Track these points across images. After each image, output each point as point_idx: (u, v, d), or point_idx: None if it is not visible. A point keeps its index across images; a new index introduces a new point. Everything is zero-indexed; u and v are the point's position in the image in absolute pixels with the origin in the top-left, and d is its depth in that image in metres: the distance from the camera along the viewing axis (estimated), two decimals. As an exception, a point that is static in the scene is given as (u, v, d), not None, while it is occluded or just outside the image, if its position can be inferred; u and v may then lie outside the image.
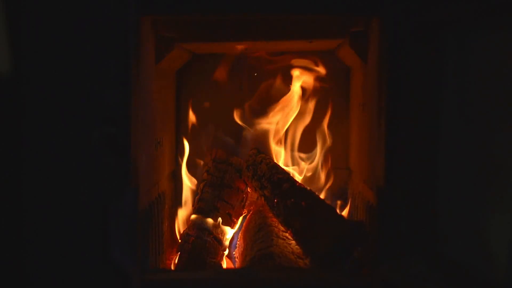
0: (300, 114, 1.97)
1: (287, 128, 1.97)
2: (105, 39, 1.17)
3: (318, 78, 1.97)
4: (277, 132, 1.96)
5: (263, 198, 1.70)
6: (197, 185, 1.89)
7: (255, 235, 1.65)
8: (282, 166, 1.84)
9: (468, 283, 1.14)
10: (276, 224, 1.66)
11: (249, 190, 1.84)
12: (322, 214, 1.43)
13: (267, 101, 1.97)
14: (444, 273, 1.18)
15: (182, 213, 1.88)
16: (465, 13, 1.12)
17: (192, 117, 1.98)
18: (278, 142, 1.98)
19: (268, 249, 1.51)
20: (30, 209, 1.18)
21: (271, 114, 1.96)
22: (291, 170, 1.92)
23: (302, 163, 1.96)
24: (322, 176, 1.95)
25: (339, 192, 1.99)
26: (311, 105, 1.97)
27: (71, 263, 1.19)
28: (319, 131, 1.98)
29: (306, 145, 1.98)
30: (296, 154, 1.97)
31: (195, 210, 1.76)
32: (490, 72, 1.10)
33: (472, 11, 1.09)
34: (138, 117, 1.24)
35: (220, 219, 1.68)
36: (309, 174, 1.95)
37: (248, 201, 1.86)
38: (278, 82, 1.97)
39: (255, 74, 1.98)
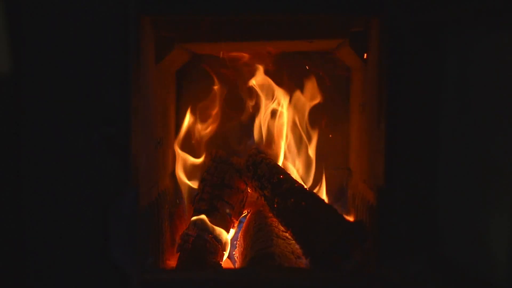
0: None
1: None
2: (105, 39, 1.17)
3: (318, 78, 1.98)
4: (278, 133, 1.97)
5: (263, 198, 1.70)
6: (197, 185, 1.89)
7: (255, 235, 1.65)
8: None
9: (468, 283, 1.14)
10: (276, 224, 1.66)
11: (249, 190, 1.84)
12: (322, 214, 1.43)
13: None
14: (444, 273, 1.18)
15: (183, 213, 1.88)
16: (465, 13, 1.12)
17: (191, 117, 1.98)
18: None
19: (268, 249, 1.51)
20: (30, 209, 1.18)
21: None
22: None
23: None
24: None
25: (339, 192, 1.99)
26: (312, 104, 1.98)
27: (71, 263, 1.19)
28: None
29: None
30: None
31: (195, 210, 1.76)
32: (490, 72, 1.10)
33: (472, 11, 1.09)
34: (138, 117, 1.24)
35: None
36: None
37: (248, 201, 1.86)
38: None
39: None
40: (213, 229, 1.68)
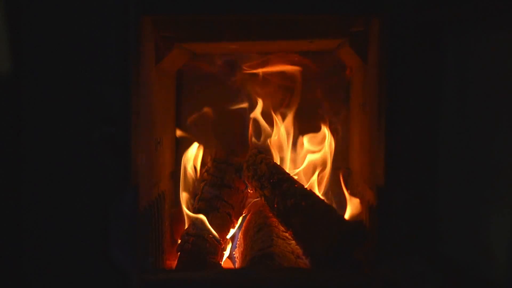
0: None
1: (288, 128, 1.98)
2: (105, 39, 1.17)
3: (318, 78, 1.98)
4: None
5: (263, 198, 1.70)
6: (197, 185, 1.89)
7: (255, 235, 1.65)
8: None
9: (468, 283, 1.14)
10: (276, 224, 1.66)
11: (249, 190, 1.84)
12: (322, 214, 1.43)
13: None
14: (444, 273, 1.18)
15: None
16: (465, 13, 1.12)
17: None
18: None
19: (268, 249, 1.51)
20: (29, 208, 1.18)
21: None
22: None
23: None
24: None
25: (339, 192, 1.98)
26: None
27: (71, 262, 1.19)
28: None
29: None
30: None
31: (195, 210, 1.76)
32: (490, 72, 1.10)
33: (472, 11, 1.09)
34: (138, 117, 1.24)
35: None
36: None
37: (248, 201, 1.86)
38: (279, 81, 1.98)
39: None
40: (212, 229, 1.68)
